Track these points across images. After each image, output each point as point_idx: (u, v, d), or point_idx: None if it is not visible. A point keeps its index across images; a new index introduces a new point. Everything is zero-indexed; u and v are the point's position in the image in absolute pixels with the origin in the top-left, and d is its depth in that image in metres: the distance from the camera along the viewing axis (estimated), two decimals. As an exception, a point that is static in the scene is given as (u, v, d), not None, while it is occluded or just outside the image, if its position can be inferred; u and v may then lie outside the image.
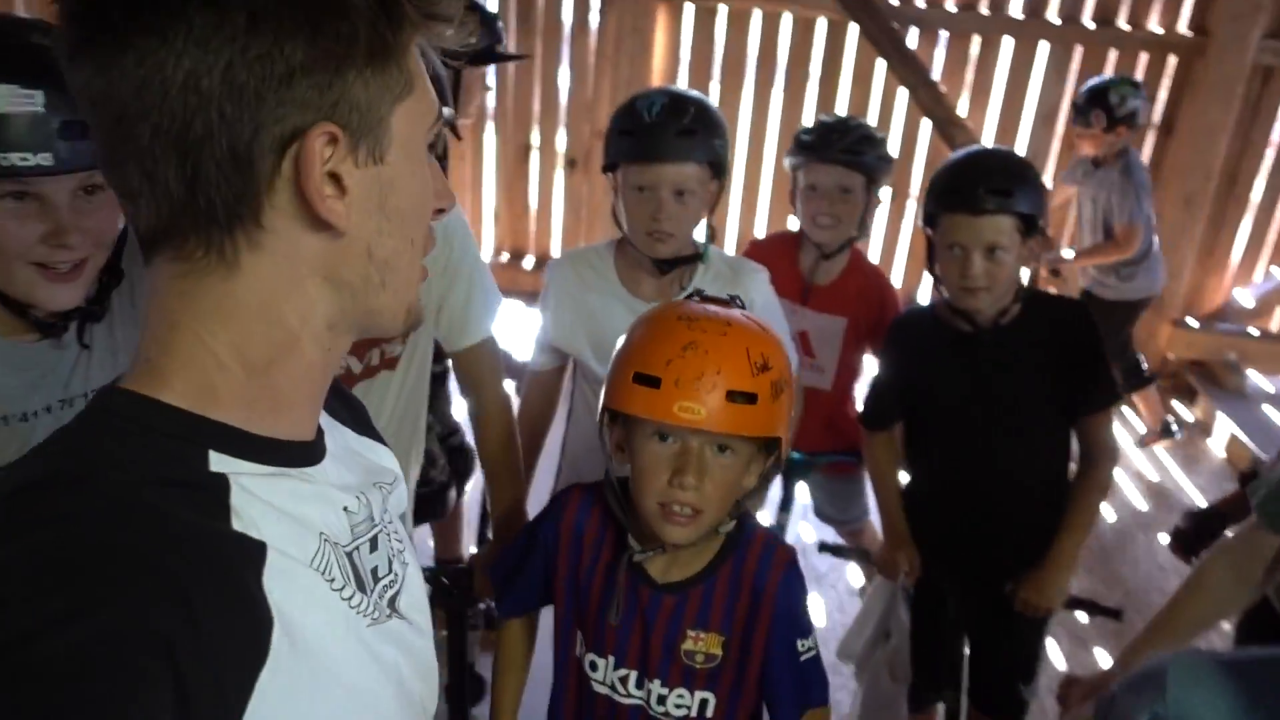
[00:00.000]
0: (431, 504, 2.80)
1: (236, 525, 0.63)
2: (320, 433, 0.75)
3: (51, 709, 0.48)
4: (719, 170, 1.78)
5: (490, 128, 5.38)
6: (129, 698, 0.50)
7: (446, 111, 1.54)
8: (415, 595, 0.82)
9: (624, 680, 1.41)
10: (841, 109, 5.05)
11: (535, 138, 5.39)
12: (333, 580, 0.69)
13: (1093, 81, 4.10)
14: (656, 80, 5.17)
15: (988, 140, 4.87)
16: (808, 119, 5.09)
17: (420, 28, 0.66)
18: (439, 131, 2.07)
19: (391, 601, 0.77)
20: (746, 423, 1.23)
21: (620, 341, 1.34)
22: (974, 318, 1.92)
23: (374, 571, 0.75)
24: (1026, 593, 1.96)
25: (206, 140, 0.60)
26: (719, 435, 1.24)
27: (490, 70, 5.10)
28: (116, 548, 0.55)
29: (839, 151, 2.30)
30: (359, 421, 0.88)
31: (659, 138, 1.72)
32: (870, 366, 2.41)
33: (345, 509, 0.73)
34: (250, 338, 0.65)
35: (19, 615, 0.51)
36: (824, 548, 2.34)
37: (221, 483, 0.63)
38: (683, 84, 5.18)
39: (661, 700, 1.40)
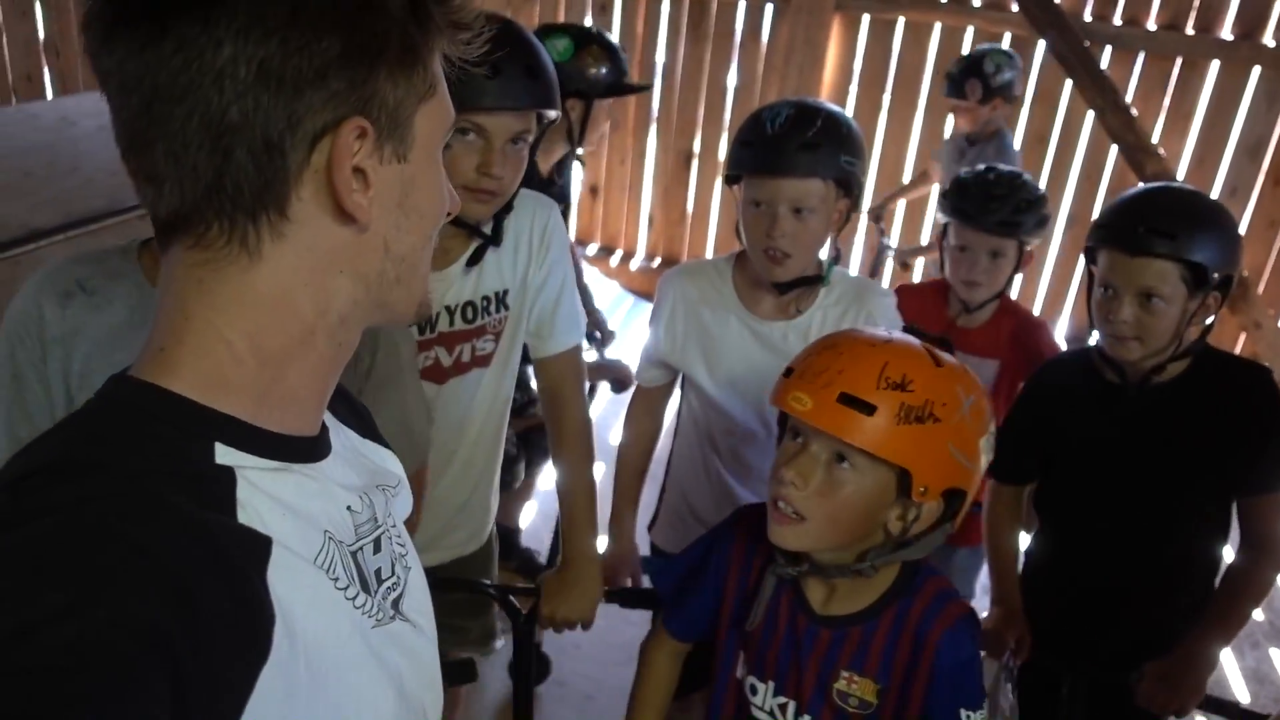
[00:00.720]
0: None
1: (242, 519, 0.62)
2: (325, 429, 0.74)
3: (45, 706, 0.47)
4: (847, 188, 1.67)
5: (652, 131, 5.39)
6: (124, 694, 0.49)
7: (536, 115, 1.52)
8: (419, 599, 0.81)
9: (783, 709, 1.36)
10: (1020, 129, 4.78)
11: (697, 144, 5.35)
12: (337, 579, 0.68)
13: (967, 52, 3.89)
14: (825, 93, 5.04)
15: (1182, 172, 4.50)
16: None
17: (445, 34, 0.69)
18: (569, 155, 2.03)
19: (395, 604, 0.76)
20: (853, 430, 1.18)
21: None
22: (1124, 369, 1.73)
23: (377, 573, 0.74)
24: (1155, 688, 1.69)
25: (241, 128, 0.61)
26: (834, 441, 1.20)
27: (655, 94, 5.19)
28: (118, 540, 0.54)
29: (996, 222, 2.17)
30: (364, 425, 0.88)
31: (779, 151, 1.62)
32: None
33: (349, 508, 0.73)
34: (266, 329, 0.65)
35: (15, 609, 0.50)
36: None
37: (228, 476, 0.63)
38: (853, 98, 5.04)
39: None
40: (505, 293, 1.63)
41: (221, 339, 0.64)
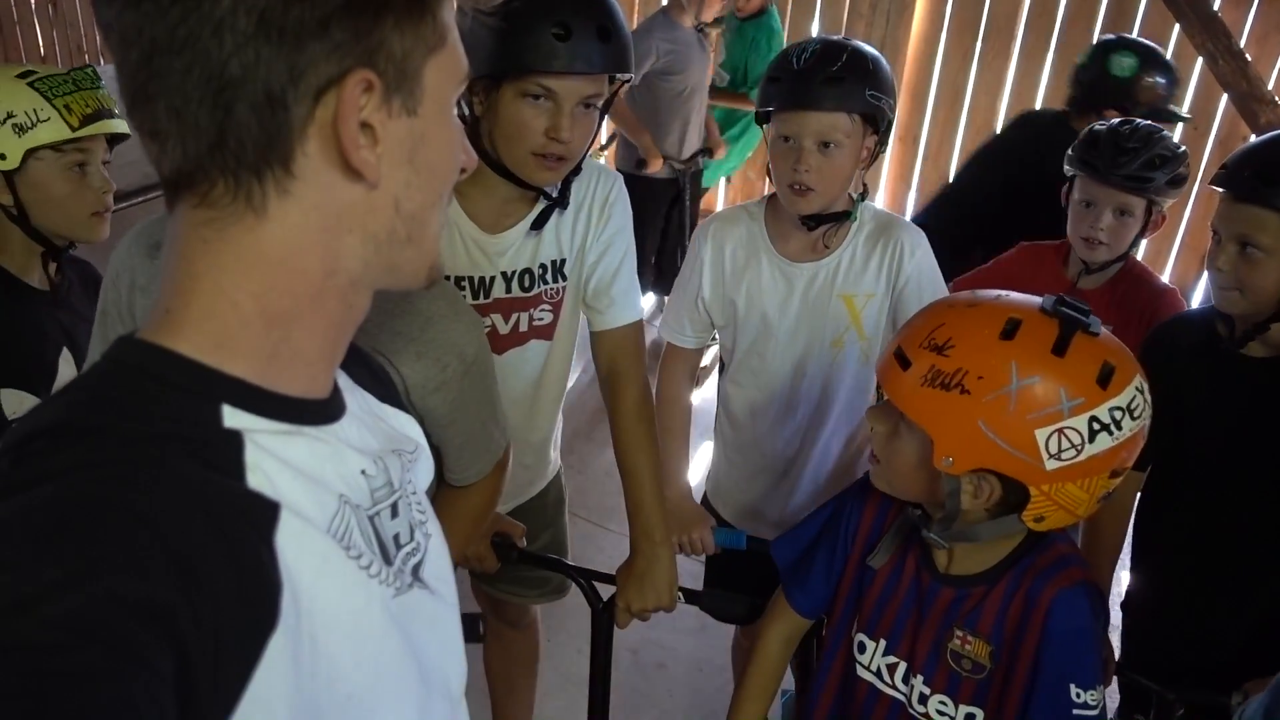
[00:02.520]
0: None
1: (252, 483, 0.60)
2: (337, 391, 0.73)
3: (43, 682, 0.45)
4: (874, 123, 1.65)
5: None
6: (124, 671, 0.47)
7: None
8: (439, 566, 0.80)
9: (891, 669, 1.34)
10: (1122, 78, 4.53)
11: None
12: (350, 548, 0.66)
13: None
14: (914, 41, 4.85)
15: (1300, 121, 4.21)
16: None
17: None
18: None
19: (415, 570, 0.75)
20: (892, 383, 1.20)
21: None
22: (1232, 324, 1.60)
23: (396, 538, 0.73)
24: None
25: (242, 82, 0.58)
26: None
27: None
28: (118, 509, 0.53)
29: (1124, 177, 2.01)
30: (383, 390, 0.86)
31: (804, 84, 1.61)
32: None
33: (363, 472, 0.71)
34: (273, 289, 0.63)
35: (10, 583, 0.48)
36: None
37: (235, 439, 0.61)
38: (941, 46, 4.83)
39: (923, 700, 1.31)
40: (562, 262, 1.59)
41: (228, 299, 0.63)
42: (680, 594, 1.62)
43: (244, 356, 0.63)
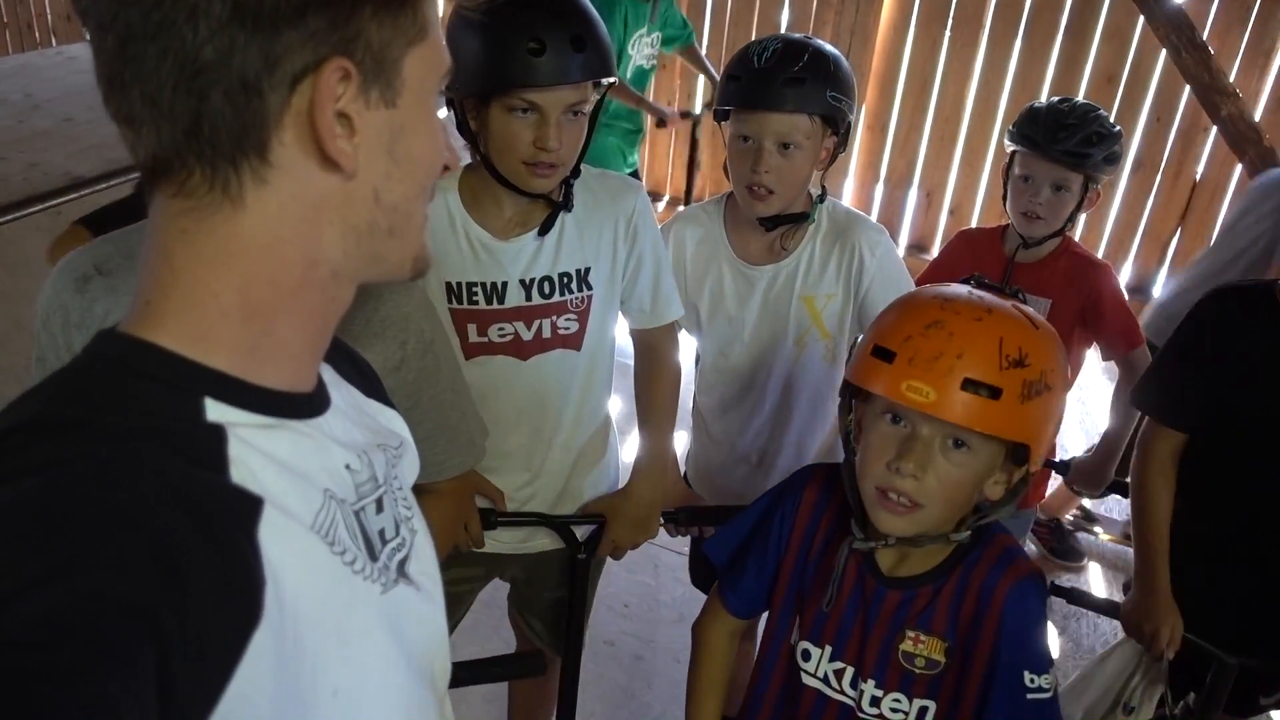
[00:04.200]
0: None
1: (234, 477, 0.60)
2: (321, 385, 0.72)
3: (22, 679, 0.44)
4: (834, 125, 1.66)
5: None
6: (106, 666, 0.47)
7: None
8: (426, 562, 0.80)
9: (839, 675, 1.33)
10: (1088, 68, 4.58)
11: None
12: (334, 543, 0.66)
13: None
14: (883, 30, 4.86)
15: (1259, 114, 4.29)
16: (1048, 79, 4.67)
17: None
18: None
19: (401, 565, 0.75)
20: (980, 417, 1.11)
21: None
22: None
23: (381, 533, 0.73)
24: None
25: (216, 68, 0.58)
26: (950, 426, 1.14)
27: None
28: (101, 503, 0.52)
29: (1062, 151, 2.09)
30: (368, 384, 0.85)
31: (765, 85, 1.61)
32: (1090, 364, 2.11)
33: (347, 466, 0.71)
34: (254, 280, 0.63)
35: None
36: (1057, 590, 1.76)
37: (218, 433, 0.61)
38: (910, 35, 4.84)
39: (875, 703, 1.30)
40: (588, 270, 1.59)
41: (208, 291, 0.62)
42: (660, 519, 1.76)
43: (226, 349, 0.63)
